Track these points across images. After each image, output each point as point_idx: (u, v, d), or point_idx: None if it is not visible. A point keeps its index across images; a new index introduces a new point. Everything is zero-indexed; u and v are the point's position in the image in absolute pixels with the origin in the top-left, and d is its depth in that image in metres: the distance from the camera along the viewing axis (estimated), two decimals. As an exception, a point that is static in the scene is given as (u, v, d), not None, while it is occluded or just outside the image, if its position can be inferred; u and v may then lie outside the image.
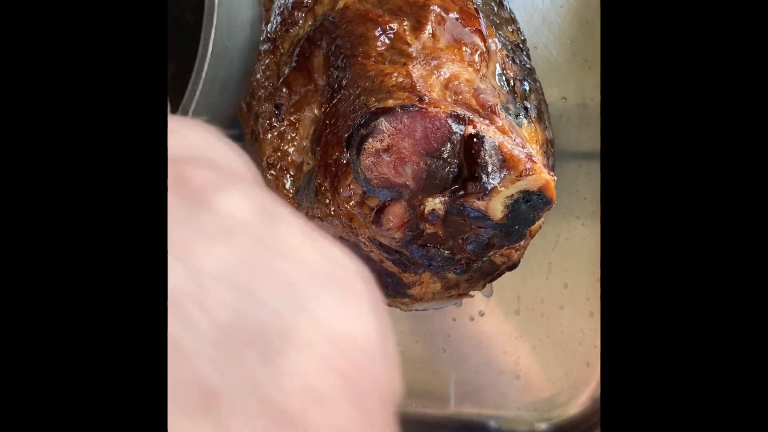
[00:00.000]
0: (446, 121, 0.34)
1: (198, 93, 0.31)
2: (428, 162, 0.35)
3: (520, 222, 0.36)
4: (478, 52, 0.41)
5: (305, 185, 0.42)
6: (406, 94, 0.36)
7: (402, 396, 0.53)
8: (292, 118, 0.42)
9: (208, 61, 0.31)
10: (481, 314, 0.54)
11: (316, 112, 0.42)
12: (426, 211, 0.36)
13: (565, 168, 0.52)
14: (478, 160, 0.34)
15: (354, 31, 0.40)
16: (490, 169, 0.34)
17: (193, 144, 0.20)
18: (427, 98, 0.36)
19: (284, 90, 0.43)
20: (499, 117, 0.37)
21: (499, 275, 0.45)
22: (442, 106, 0.35)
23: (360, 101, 0.37)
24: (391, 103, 0.35)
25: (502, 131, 0.36)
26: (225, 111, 0.40)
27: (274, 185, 0.45)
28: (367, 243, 0.40)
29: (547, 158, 0.44)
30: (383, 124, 0.34)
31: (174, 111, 0.32)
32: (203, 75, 0.31)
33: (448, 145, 0.35)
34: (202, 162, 0.19)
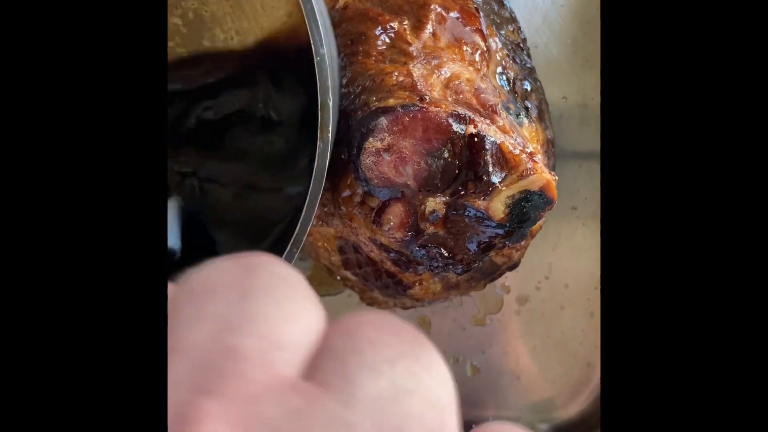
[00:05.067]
0: (447, 121, 0.34)
1: (314, 214, 0.30)
2: (429, 161, 0.35)
3: (521, 222, 0.36)
4: (479, 52, 0.41)
5: (305, 185, 0.42)
6: (407, 93, 0.36)
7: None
8: (292, 118, 0.42)
9: (324, 177, 0.30)
10: (481, 315, 0.54)
11: (316, 111, 0.41)
12: (427, 211, 0.36)
13: (565, 168, 0.52)
14: (479, 160, 0.34)
15: (354, 30, 0.40)
16: (491, 169, 0.34)
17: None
18: (427, 97, 0.35)
19: (284, 89, 0.43)
20: (500, 116, 0.37)
21: (500, 275, 0.45)
22: (443, 106, 0.35)
23: (360, 100, 0.37)
24: (391, 102, 0.35)
25: (503, 131, 0.36)
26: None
27: (274, 185, 0.45)
28: (367, 243, 0.40)
29: (548, 158, 0.44)
30: (384, 123, 0.34)
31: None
32: (319, 195, 0.30)
33: (449, 144, 0.35)
34: None
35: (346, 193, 0.37)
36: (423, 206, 0.36)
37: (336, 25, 0.41)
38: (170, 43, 0.38)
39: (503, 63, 0.42)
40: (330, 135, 0.30)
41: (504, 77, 0.42)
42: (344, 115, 0.38)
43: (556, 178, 0.36)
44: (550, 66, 0.51)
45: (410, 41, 0.39)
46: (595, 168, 0.52)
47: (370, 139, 0.34)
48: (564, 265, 0.53)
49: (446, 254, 0.38)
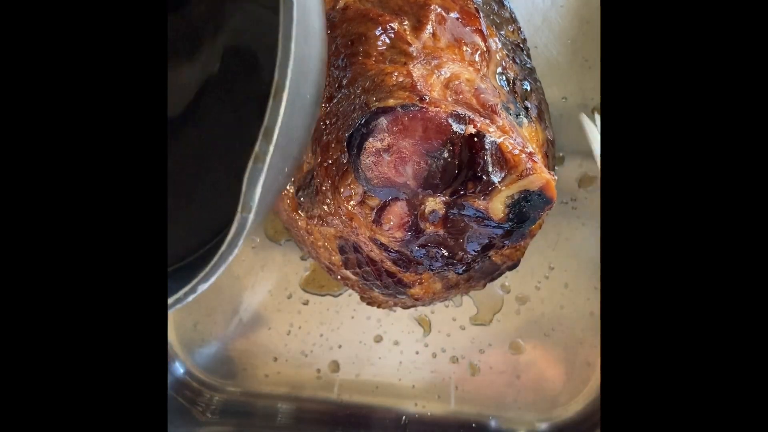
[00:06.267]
0: (447, 121, 0.34)
1: (283, 104, 0.25)
2: (429, 161, 0.35)
3: (521, 221, 0.36)
4: (479, 52, 0.41)
5: (306, 185, 0.42)
6: (407, 93, 0.36)
7: (403, 396, 0.52)
8: (292, 118, 0.42)
9: (291, 62, 0.25)
10: (482, 314, 0.54)
11: (316, 111, 0.42)
12: (427, 211, 0.36)
13: (565, 168, 0.52)
14: (479, 160, 0.34)
15: (354, 31, 0.40)
16: (490, 169, 0.34)
17: None
18: (427, 98, 0.35)
19: (284, 89, 0.43)
20: (500, 116, 0.37)
21: (500, 275, 0.45)
22: (443, 106, 0.35)
23: (360, 101, 0.37)
24: (391, 102, 0.35)
25: (503, 131, 0.36)
26: (302, 143, 0.32)
27: (275, 185, 0.45)
28: (367, 243, 0.40)
29: (548, 158, 0.44)
30: (384, 123, 0.34)
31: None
32: (287, 81, 0.25)
33: (449, 144, 0.35)
34: None
35: (347, 192, 0.37)
36: (423, 206, 0.36)
37: (336, 25, 0.41)
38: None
39: (503, 63, 0.43)
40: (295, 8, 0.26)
41: (504, 77, 0.42)
42: (344, 116, 0.38)
43: (556, 178, 0.36)
44: (550, 66, 0.51)
45: (410, 42, 0.39)
46: (595, 167, 0.52)
47: (370, 140, 0.35)
48: (564, 265, 0.53)
49: (446, 254, 0.38)
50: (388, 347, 0.54)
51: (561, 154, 0.52)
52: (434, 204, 0.36)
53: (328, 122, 0.40)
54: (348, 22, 0.41)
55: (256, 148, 0.25)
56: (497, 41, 0.43)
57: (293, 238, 0.50)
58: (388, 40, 0.39)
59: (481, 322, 0.54)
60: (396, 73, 0.37)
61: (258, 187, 0.25)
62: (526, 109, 0.43)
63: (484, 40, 0.41)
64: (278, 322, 0.55)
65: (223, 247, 0.26)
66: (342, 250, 0.43)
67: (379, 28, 0.40)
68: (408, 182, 0.35)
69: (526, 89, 0.44)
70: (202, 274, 0.27)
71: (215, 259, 0.26)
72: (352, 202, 0.37)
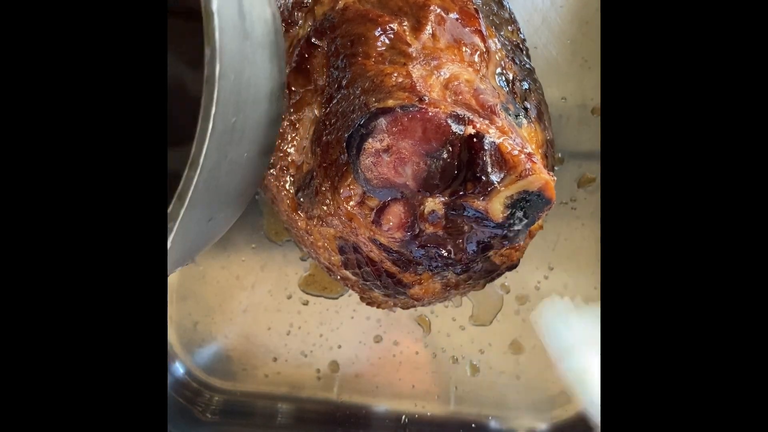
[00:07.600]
0: (446, 121, 0.34)
1: (196, 176, 0.26)
2: (428, 162, 0.35)
3: (520, 222, 0.36)
4: (478, 53, 0.41)
5: (305, 185, 0.42)
6: (406, 94, 0.36)
7: (403, 396, 0.52)
8: (292, 118, 0.42)
9: (207, 141, 0.26)
10: (481, 314, 0.54)
11: (316, 112, 0.42)
12: (426, 212, 0.36)
13: (565, 168, 0.52)
14: (478, 161, 0.34)
15: (354, 31, 0.40)
16: (489, 170, 0.34)
17: None
18: (427, 98, 0.35)
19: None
20: (499, 117, 0.37)
21: (499, 275, 0.45)
22: (442, 107, 0.35)
23: (360, 101, 0.37)
24: (391, 103, 0.35)
25: (502, 131, 0.36)
26: (241, 191, 0.34)
27: (275, 185, 0.45)
28: (367, 243, 0.40)
29: (547, 158, 0.44)
30: (383, 124, 0.34)
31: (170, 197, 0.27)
32: (201, 157, 0.26)
33: (448, 145, 0.35)
34: None
35: (346, 193, 0.37)
36: (422, 207, 0.36)
37: (336, 26, 0.41)
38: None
39: (502, 64, 0.43)
40: None
41: (503, 78, 0.42)
42: (343, 116, 0.38)
43: (555, 178, 0.36)
44: (549, 66, 0.51)
45: (410, 42, 0.39)
46: (594, 167, 0.52)
47: (370, 140, 0.35)
48: (564, 265, 0.53)
49: (445, 254, 0.38)
50: (388, 347, 0.54)
51: (560, 155, 0.52)
52: (434, 204, 0.36)
53: (327, 122, 0.40)
54: (347, 23, 0.41)
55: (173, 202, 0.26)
56: (497, 42, 0.43)
57: (293, 238, 0.50)
58: (387, 41, 0.39)
59: (481, 322, 0.54)
60: (395, 74, 0.37)
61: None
62: (526, 109, 0.43)
63: (484, 40, 0.41)
64: (278, 322, 0.55)
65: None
66: (342, 251, 0.43)
67: (379, 29, 0.40)
68: (407, 183, 0.35)
69: (526, 90, 0.44)
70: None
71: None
72: (351, 203, 0.37)
